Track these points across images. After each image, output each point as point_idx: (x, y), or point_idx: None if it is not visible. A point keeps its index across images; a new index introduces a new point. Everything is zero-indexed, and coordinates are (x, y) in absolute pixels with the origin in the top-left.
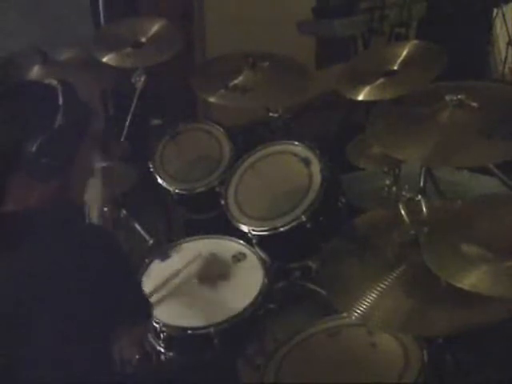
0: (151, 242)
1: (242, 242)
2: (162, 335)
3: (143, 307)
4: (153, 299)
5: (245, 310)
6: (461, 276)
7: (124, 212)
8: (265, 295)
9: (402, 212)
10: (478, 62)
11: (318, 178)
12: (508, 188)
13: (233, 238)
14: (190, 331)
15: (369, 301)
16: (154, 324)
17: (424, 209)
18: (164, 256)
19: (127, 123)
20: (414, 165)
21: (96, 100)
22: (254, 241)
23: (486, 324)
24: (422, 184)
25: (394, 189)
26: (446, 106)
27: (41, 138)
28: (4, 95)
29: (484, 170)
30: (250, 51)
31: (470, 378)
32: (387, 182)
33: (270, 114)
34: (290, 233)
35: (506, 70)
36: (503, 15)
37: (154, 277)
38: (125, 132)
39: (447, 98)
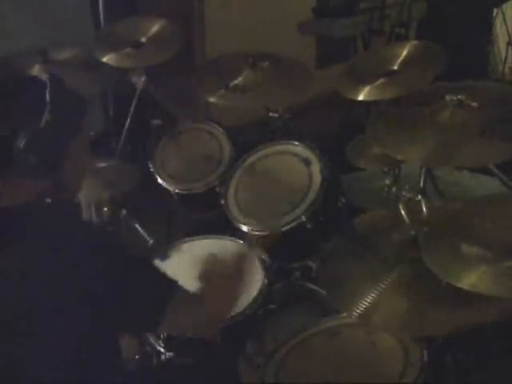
0: (151, 242)
1: (242, 242)
2: (161, 335)
3: (150, 315)
4: None
5: (245, 309)
6: (461, 276)
7: (124, 212)
8: (265, 295)
9: (402, 212)
10: (478, 61)
11: (317, 178)
12: (508, 188)
13: (233, 238)
14: None
15: (369, 301)
16: None
17: (424, 209)
18: (164, 256)
19: (127, 123)
20: (414, 165)
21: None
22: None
23: (486, 324)
24: (422, 184)
25: (394, 189)
26: (445, 106)
27: (29, 134)
28: None
29: (484, 170)
30: (250, 51)
31: (470, 378)
32: (387, 182)
33: (270, 114)
34: (290, 233)
35: (506, 69)
36: (503, 15)
37: None
38: (125, 132)
39: (447, 97)
